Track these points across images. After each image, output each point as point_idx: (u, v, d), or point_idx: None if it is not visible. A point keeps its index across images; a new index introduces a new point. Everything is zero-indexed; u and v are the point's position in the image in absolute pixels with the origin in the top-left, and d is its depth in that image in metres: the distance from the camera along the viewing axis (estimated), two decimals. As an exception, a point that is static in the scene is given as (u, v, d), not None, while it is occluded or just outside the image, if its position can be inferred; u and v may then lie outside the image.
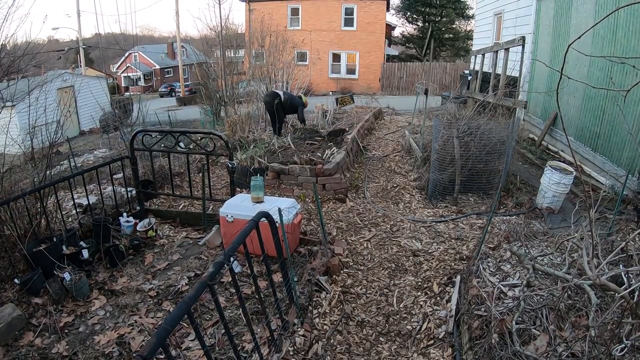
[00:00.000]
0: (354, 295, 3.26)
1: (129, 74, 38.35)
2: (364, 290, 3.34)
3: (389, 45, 25.78)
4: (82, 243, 3.38)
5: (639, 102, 4.36)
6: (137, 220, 3.97)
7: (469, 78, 9.89)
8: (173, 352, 2.34)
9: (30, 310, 2.81)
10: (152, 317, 2.77)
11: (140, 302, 2.93)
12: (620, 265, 2.36)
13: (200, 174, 4.97)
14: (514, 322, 2.17)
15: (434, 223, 4.52)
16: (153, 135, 5.06)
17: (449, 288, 3.26)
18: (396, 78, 20.30)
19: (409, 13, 27.53)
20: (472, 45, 15.54)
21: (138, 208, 4.30)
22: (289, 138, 6.29)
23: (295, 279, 3.02)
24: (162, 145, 5.42)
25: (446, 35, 26.92)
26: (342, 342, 2.73)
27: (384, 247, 4.04)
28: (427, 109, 7.27)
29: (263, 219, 2.30)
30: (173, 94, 31.45)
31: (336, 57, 21.32)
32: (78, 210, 4.15)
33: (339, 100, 9.71)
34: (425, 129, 6.55)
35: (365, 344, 2.72)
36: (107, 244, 3.45)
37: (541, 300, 2.39)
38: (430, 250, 3.91)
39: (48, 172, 3.89)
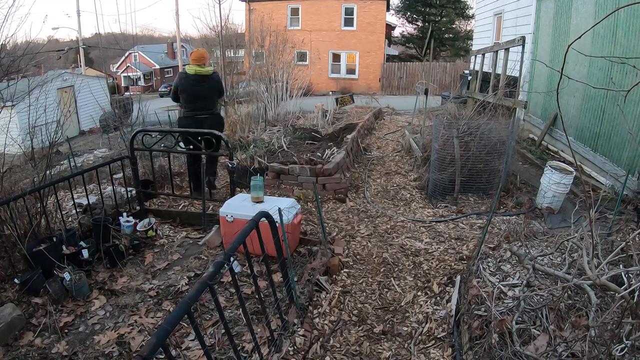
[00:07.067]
0: (353, 295, 3.26)
1: (129, 74, 38.35)
2: (364, 290, 3.34)
3: (389, 45, 25.79)
4: (82, 243, 3.38)
5: (639, 102, 4.36)
6: (137, 220, 3.96)
7: (469, 78, 9.89)
8: (173, 352, 2.34)
9: (30, 310, 2.81)
10: (152, 317, 2.77)
11: (140, 302, 2.93)
12: (620, 265, 2.36)
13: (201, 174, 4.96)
14: (514, 322, 2.17)
15: (434, 223, 4.52)
16: (153, 135, 5.06)
17: (449, 288, 3.26)
18: (396, 78, 20.31)
19: (409, 13, 27.57)
20: (472, 45, 15.55)
21: (138, 208, 4.30)
22: (290, 138, 6.29)
23: (295, 279, 3.01)
24: (162, 145, 5.41)
25: (446, 35, 26.94)
26: (342, 341, 2.73)
27: (384, 247, 4.04)
28: (427, 109, 7.27)
29: (263, 219, 2.30)
30: (173, 93, 31.40)
31: (336, 57, 21.33)
32: (78, 210, 4.15)
33: (339, 100, 9.71)
34: (425, 129, 6.55)
35: (365, 344, 2.72)
36: (107, 243, 3.45)
37: (541, 300, 2.39)
38: (430, 250, 3.91)
39: (48, 172, 3.89)
